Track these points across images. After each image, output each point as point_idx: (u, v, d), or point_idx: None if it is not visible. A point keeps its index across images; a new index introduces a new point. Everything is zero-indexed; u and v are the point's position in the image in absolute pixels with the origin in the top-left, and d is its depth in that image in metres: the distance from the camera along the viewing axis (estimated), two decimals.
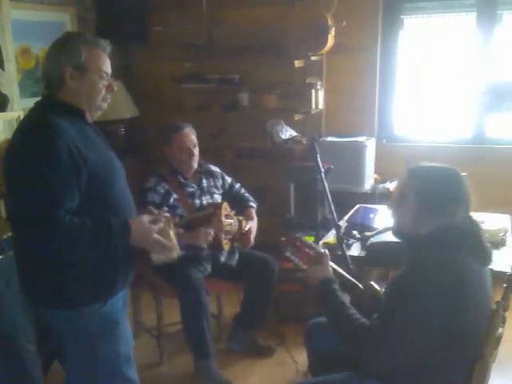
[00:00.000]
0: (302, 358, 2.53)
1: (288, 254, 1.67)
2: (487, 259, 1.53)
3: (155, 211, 1.69)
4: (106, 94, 1.60)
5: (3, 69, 2.77)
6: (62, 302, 1.56)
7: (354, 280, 1.75)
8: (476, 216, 1.59)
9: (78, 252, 1.48)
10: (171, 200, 2.53)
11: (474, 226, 1.53)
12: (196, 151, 2.61)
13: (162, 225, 1.61)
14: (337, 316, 1.53)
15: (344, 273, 1.75)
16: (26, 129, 1.52)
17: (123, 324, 1.68)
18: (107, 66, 1.59)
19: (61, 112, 1.52)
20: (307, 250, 1.66)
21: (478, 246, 1.51)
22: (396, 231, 1.61)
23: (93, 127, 1.63)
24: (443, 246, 1.46)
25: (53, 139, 1.43)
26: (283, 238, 1.70)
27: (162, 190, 2.52)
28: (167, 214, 1.68)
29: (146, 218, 1.59)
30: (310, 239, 2.98)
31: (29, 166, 1.44)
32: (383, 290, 1.74)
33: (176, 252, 1.67)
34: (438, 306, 1.39)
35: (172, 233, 1.65)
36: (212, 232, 2.43)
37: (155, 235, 1.58)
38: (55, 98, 1.56)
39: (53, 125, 1.46)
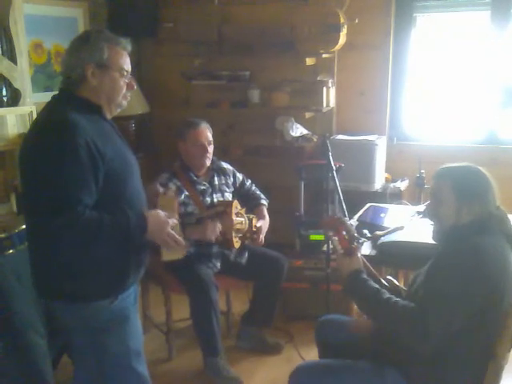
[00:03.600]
0: (310, 355, 2.53)
1: (331, 233, 1.72)
2: None
3: (161, 189, 1.73)
4: (126, 92, 1.62)
5: (15, 63, 2.78)
6: (72, 296, 1.57)
7: (377, 274, 1.76)
8: None
9: (97, 245, 1.50)
10: (182, 197, 2.53)
11: (504, 215, 1.60)
12: (210, 149, 2.60)
13: (175, 221, 1.64)
14: (375, 303, 1.56)
15: (369, 265, 1.76)
16: (44, 124, 1.53)
17: (133, 319, 1.68)
18: (128, 64, 1.61)
19: (78, 107, 1.53)
20: (344, 234, 1.68)
21: (508, 228, 1.58)
22: (438, 232, 1.64)
23: (110, 123, 1.64)
24: (485, 232, 1.53)
25: (71, 135, 1.44)
26: (327, 219, 1.77)
27: (174, 187, 2.52)
28: (172, 194, 1.72)
29: (161, 213, 1.62)
30: (319, 237, 2.99)
31: (47, 161, 1.45)
32: (401, 286, 1.76)
33: (185, 249, 1.70)
34: (481, 288, 1.44)
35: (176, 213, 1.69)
36: (220, 225, 2.43)
37: (169, 229, 1.60)
38: (73, 93, 1.57)
39: (71, 121, 1.46)
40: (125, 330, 1.64)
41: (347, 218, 1.76)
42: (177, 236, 1.63)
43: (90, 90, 1.56)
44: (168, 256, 1.70)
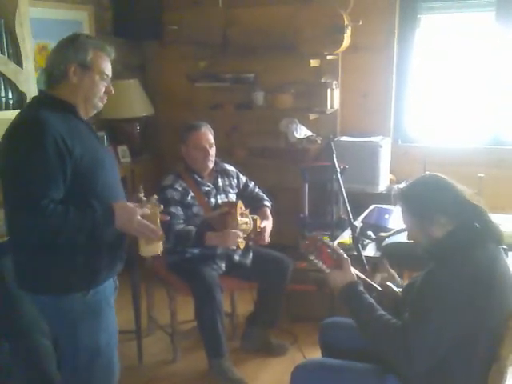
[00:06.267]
0: (314, 357, 2.52)
1: (312, 258, 1.62)
2: (500, 238, 1.54)
3: (144, 198, 1.71)
4: (103, 96, 1.70)
5: (21, 66, 2.80)
6: (45, 288, 1.62)
7: (371, 282, 1.73)
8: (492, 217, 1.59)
9: (63, 237, 1.53)
10: (188, 198, 2.54)
11: (481, 210, 1.54)
12: (212, 151, 2.60)
13: (147, 210, 1.64)
14: (367, 318, 1.53)
15: (362, 275, 1.74)
16: (16, 123, 1.61)
17: (106, 313, 1.71)
18: (109, 70, 1.70)
19: (53, 107, 1.60)
20: (329, 252, 1.63)
21: (492, 227, 1.52)
22: (423, 250, 1.61)
23: (86, 124, 1.70)
24: (467, 242, 1.48)
25: (40, 133, 1.52)
26: (306, 242, 1.65)
27: (180, 188, 2.54)
28: (155, 201, 1.71)
29: (129, 203, 1.64)
30: (324, 239, 2.99)
31: (17, 158, 1.53)
32: (399, 290, 1.73)
33: (161, 240, 1.69)
34: (472, 303, 1.41)
35: (159, 220, 1.68)
36: (240, 233, 2.43)
37: (139, 218, 1.61)
38: (49, 94, 1.65)
39: (41, 119, 1.54)
40: (94, 324, 1.67)
41: (327, 237, 1.71)
42: (149, 224, 1.63)
43: (68, 87, 1.63)
44: (146, 251, 1.69)
